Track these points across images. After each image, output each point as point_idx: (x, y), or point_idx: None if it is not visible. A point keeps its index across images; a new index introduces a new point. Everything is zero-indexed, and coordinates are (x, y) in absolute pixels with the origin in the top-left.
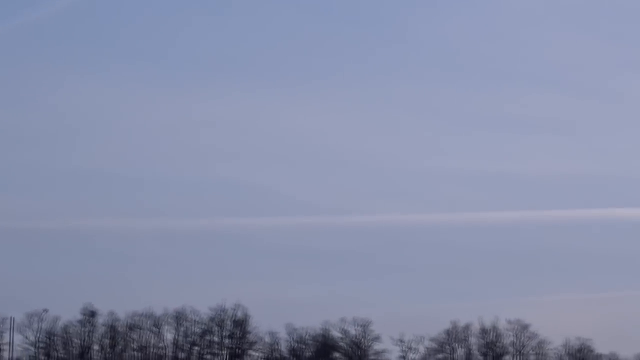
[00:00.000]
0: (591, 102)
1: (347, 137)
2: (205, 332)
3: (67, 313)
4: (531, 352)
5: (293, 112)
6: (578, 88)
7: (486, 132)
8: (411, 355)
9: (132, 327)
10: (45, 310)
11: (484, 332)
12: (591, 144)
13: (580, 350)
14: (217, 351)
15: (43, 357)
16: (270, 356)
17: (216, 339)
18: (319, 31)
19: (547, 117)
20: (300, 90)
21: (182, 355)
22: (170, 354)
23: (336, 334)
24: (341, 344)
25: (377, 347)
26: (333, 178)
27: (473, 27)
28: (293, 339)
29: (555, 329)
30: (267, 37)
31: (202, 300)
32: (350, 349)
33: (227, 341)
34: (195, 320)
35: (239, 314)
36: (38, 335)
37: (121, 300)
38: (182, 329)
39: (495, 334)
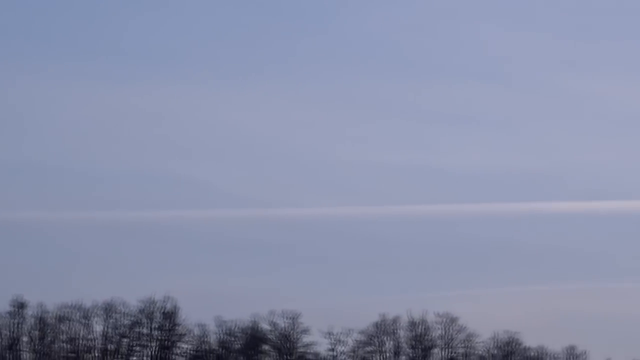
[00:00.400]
0: (522, 95)
1: (277, 130)
2: (134, 324)
3: None
4: (459, 345)
5: (224, 106)
6: (510, 81)
7: (415, 125)
8: (340, 348)
9: (61, 319)
10: None
11: (412, 324)
12: (522, 137)
13: (508, 343)
14: (146, 343)
15: None
16: (199, 348)
17: (145, 331)
18: (250, 25)
19: (477, 110)
20: (230, 84)
21: (111, 346)
22: (99, 345)
23: (265, 326)
24: (270, 336)
25: (306, 339)
26: (263, 171)
27: (402, 19)
28: (222, 331)
29: (484, 322)
30: (200, 31)
31: (131, 291)
32: (279, 341)
33: (156, 333)
34: (124, 312)
35: (168, 306)
36: None
37: (50, 291)
38: (111, 320)
39: (423, 327)
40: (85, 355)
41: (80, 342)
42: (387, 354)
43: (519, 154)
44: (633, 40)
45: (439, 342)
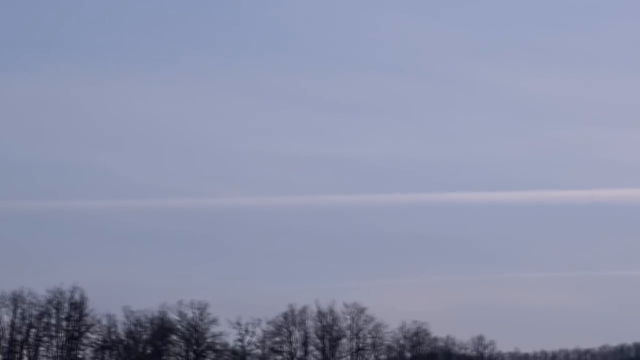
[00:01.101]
0: (427, 85)
1: (185, 120)
2: (42, 314)
3: None
4: (368, 335)
5: (134, 96)
6: (414, 72)
7: (320, 116)
8: (248, 338)
9: None
10: None
11: (320, 315)
12: (426, 128)
13: (416, 334)
14: (54, 333)
15: None
16: (107, 338)
17: (53, 321)
18: (165, 15)
19: (382, 100)
20: (142, 75)
21: (18, 337)
22: (7, 336)
23: (173, 316)
24: (178, 326)
25: (214, 329)
26: (171, 161)
27: (305, 10)
28: (130, 321)
29: (392, 312)
30: (113, 21)
31: (39, 282)
32: (187, 332)
33: (64, 323)
34: (32, 302)
35: (76, 296)
36: None
37: None
38: (19, 310)
39: (331, 317)
40: None
41: None
42: (296, 345)
43: (423, 144)
44: (538, 30)
45: (347, 332)
